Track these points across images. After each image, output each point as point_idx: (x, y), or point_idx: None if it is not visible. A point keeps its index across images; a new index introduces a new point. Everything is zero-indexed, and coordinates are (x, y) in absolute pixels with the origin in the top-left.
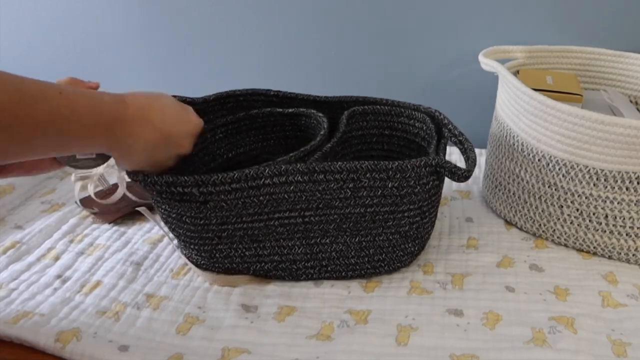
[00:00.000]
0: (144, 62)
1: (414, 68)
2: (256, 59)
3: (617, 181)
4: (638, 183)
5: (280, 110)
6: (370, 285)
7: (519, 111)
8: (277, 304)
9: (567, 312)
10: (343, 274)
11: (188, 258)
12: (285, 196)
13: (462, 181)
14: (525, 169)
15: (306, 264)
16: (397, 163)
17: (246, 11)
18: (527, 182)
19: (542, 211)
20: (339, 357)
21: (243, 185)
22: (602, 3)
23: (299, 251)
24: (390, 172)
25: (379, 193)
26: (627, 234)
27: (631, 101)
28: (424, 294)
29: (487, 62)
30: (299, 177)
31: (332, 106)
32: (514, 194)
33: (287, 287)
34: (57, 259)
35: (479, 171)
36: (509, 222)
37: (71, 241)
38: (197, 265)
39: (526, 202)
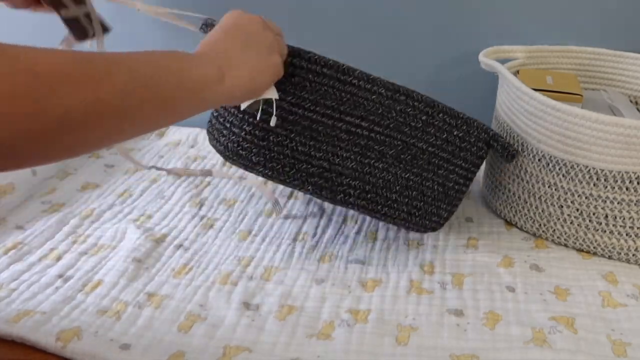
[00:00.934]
0: None
1: (414, 68)
2: None
3: (617, 181)
4: (638, 183)
5: None
6: (371, 284)
7: (519, 111)
8: (278, 302)
9: (567, 312)
10: (379, 207)
11: (230, 141)
12: (365, 102)
13: (509, 160)
14: (525, 169)
15: (350, 182)
16: (467, 116)
17: (247, 11)
18: (527, 182)
19: (542, 211)
20: (339, 356)
21: (333, 73)
22: (602, 3)
23: (350, 165)
24: (460, 121)
25: (444, 136)
26: (627, 234)
27: (631, 101)
28: (424, 293)
29: (487, 62)
30: (383, 90)
31: None
32: (514, 194)
33: (288, 286)
34: (58, 259)
35: (478, 171)
36: (509, 222)
37: (74, 242)
38: (238, 150)
39: (526, 202)
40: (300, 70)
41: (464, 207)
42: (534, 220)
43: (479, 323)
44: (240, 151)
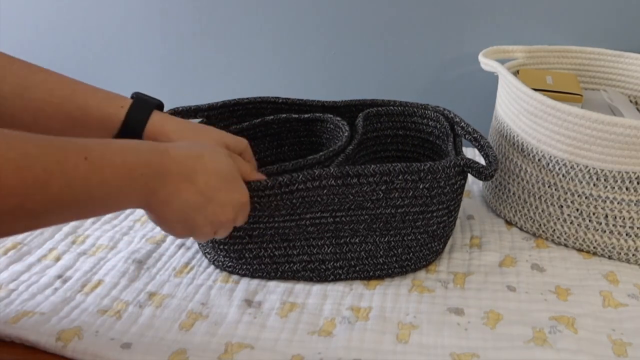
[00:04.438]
0: (148, 62)
1: (414, 68)
2: (256, 61)
3: (617, 181)
4: (638, 183)
5: (297, 116)
6: (372, 282)
7: (519, 111)
8: (279, 299)
9: (567, 311)
10: (371, 273)
11: (214, 262)
12: (318, 199)
13: (487, 180)
14: (525, 169)
15: (335, 264)
16: (428, 164)
17: (247, 13)
18: (527, 182)
19: (542, 211)
20: (340, 353)
21: (277, 191)
22: (602, 3)
23: (328, 251)
24: (422, 174)
25: (410, 194)
26: (627, 234)
27: (631, 101)
28: (425, 292)
29: (487, 62)
30: (332, 181)
31: (340, 110)
32: (514, 194)
33: (290, 283)
34: (58, 259)
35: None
36: (509, 222)
37: (73, 242)
38: (224, 268)
39: (526, 202)
40: None
41: (465, 206)
42: (534, 220)
43: (480, 322)
44: (227, 268)
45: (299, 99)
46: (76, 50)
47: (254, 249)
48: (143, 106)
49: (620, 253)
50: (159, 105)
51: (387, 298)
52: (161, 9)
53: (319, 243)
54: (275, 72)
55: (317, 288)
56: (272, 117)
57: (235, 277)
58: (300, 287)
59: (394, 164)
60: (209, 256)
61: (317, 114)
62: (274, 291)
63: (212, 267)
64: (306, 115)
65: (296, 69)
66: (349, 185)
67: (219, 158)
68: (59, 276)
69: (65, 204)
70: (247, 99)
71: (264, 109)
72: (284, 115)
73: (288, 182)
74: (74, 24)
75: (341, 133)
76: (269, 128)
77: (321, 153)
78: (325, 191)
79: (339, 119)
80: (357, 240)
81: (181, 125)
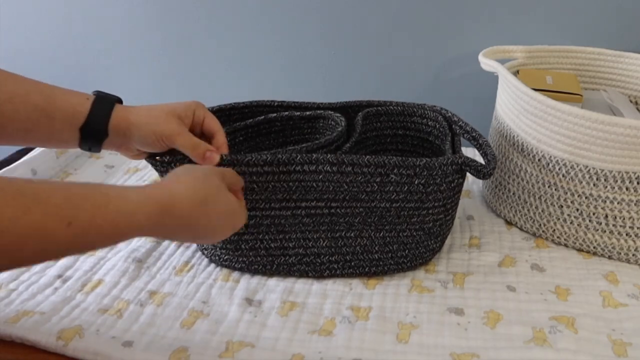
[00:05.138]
0: (147, 63)
1: (414, 68)
2: (255, 62)
3: (617, 181)
4: (638, 183)
5: (299, 113)
6: (372, 282)
7: (519, 111)
8: (279, 298)
9: (567, 311)
10: (366, 269)
11: (211, 257)
12: (314, 184)
13: (486, 178)
14: (525, 169)
15: (330, 258)
16: (424, 160)
17: (247, 14)
18: (527, 182)
19: (542, 211)
20: (340, 352)
21: (274, 169)
22: (602, 3)
23: (323, 244)
24: (418, 169)
25: (405, 189)
26: (627, 234)
27: (631, 101)
28: (425, 292)
29: (487, 62)
30: (328, 167)
31: (336, 112)
32: (514, 194)
33: (290, 282)
34: None
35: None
36: (509, 222)
37: None
38: (220, 262)
39: (526, 202)
40: (243, 175)
41: (465, 206)
42: (534, 220)
43: (480, 322)
44: (223, 262)
45: (294, 102)
46: (76, 51)
47: (250, 240)
48: (107, 99)
49: (620, 253)
50: (119, 101)
51: (387, 298)
52: (161, 10)
53: (315, 236)
54: (275, 73)
55: (316, 287)
56: (274, 114)
57: (235, 275)
58: (300, 287)
59: (390, 157)
60: (206, 251)
61: (319, 111)
62: (274, 290)
63: (212, 265)
64: (308, 113)
65: (296, 70)
66: (344, 173)
67: (220, 198)
68: (59, 276)
69: (38, 261)
70: (243, 103)
71: (260, 113)
72: (286, 113)
73: (286, 161)
74: (74, 25)
75: (338, 128)
76: (273, 125)
77: (309, 143)
78: (320, 177)
79: (338, 114)
80: (352, 234)
81: (141, 112)
